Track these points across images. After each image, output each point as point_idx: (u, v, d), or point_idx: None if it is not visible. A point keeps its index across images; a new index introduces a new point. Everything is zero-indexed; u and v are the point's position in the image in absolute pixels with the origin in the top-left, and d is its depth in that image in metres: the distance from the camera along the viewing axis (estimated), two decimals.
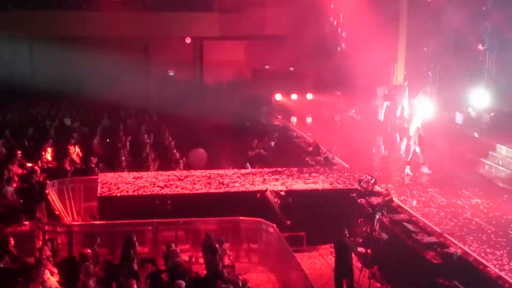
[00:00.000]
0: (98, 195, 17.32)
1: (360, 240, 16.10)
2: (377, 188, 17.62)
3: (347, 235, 14.42)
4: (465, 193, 18.58)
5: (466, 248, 14.37)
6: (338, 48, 33.23)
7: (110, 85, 32.01)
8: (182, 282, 12.35)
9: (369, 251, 14.39)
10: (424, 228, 15.63)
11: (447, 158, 22.23)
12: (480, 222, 16.27)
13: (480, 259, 13.80)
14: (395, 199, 17.42)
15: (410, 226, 15.49)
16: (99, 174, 19.36)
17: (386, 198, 17.02)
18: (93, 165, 20.94)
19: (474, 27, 25.00)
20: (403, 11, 30.11)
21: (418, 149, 20.93)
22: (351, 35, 31.63)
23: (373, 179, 17.78)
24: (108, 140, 25.57)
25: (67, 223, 17.27)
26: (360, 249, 14.33)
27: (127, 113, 30.47)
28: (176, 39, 36.60)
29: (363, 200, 17.18)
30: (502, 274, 13.10)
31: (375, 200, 16.98)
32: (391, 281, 15.25)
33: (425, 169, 20.91)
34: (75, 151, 22.86)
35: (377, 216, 15.43)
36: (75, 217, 18.72)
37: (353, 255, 14.51)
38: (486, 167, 21.16)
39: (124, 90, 31.79)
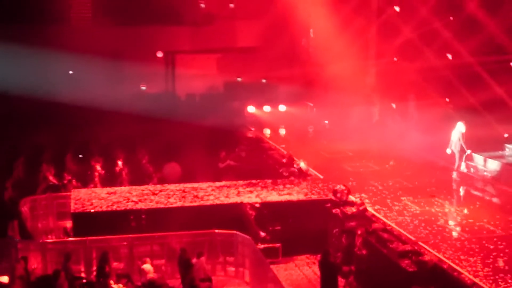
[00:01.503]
0: (72, 211, 17.19)
1: (340, 254, 16.09)
2: (351, 198, 17.69)
3: (331, 254, 14.37)
4: (438, 201, 18.74)
5: (440, 256, 14.48)
6: (309, 59, 33.38)
7: (81, 100, 31.75)
8: None
9: (352, 267, 14.41)
10: (399, 237, 15.73)
11: (419, 167, 22.45)
12: (453, 229, 16.42)
13: (454, 266, 13.91)
14: (369, 209, 17.50)
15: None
16: (72, 190, 19.21)
17: (360, 208, 17.08)
18: (66, 181, 20.76)
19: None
20: (373, 21, 30.42)
21: (468, 151, 21.10)
22: (322, 45, 31.81)
23: (347, 189, 17.85)
24: (80, 155, 25.36)
25: (40, 241, 17.09)
26: (344, 268, 14.32)
27: (99, 128, 30.25)
28: (148, 53, 36.48)
29: (337, 210, 17.25)
30: (477, 280, 13.22)
31: (349, 210, 17.04)
32: None
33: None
34: (47, 168, 22.63)
35: (359, 232, 15.50)
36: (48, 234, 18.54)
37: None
38: (459, 174, 21.41)
39: (96, 104, 31.55)
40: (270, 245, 17.08)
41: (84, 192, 18.74)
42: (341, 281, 14.01)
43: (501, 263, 14.22)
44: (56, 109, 30.92)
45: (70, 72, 34.11)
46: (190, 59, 37.59)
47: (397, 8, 28.22)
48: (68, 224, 17.85)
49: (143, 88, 37.04)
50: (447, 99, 26.84)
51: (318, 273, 14.67)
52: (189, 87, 36.71)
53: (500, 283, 13.11)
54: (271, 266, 14.90)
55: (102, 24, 35.15)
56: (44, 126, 30.55)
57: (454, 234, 16.10)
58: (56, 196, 19.36)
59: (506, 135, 23.22)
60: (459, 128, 21.00)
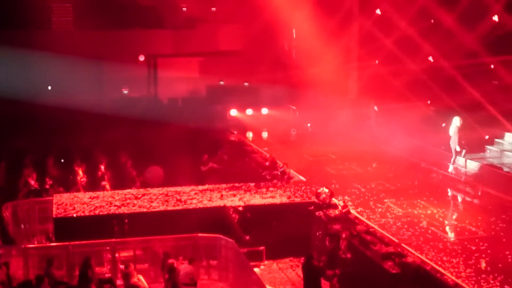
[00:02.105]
0: (54, 216, 17.08)
1: (324, 258, 16.09)
2: (334, 200, 17.73)
3: (315, 257, 14.36)
4: (421, 203, 18.83)
5: (423, 257, 14.56)
6: (292, 62, 33.46)
7: (63, 104, 31.57)
8: None
9: (337, 271, 14.42)
10: (382, 239, 15.79)
11: (402, 169, 22.58)
12: (436, 231, 16.50)
13: (437, 267, 14.00)
14: (352, 211, 17.55)
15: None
16: (54, 195, 19.08)
17: (344, 210, 17.13)
18: (48, 186, 20.62)
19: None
20: (355, 25, 30.58)
21: (458, 148, 21.22)
22: (305, 48, 31.90)
23: (330, 192, 17.88)
24: (62, 160, 25.20)
25: (22, 246, 16.94)
26: (328, 272, 14.28)
27: (81, 132, 30.09)
28: (130, 57, 36.36)
29: (321, 213, 17.28)
30: (459, 281, 13.30)
31: (332, 212, 17.08)
32: None
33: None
34: (29, 173, 22.47)
35: (344, 236, 15.52)
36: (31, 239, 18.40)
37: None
38: (440, 176, 21.58)
39: (78, 109, 31.40)
40: (254, 248, 17.08)
41: (66, 196, 18.62)
42: (325, 284, 14.02)
43: (483, 264, 14.33)
44: (37, 113, 30.71)
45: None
46: (172, 62, 37.50)
47: (378, 12, 28.43)
48: (50, 229, 17.71)
49: (125, 92, 36.90)
50: (428, 102, 27.07)
51: (302, 276, 14.67)
52: (171, 90, 36.63)
53: (482, 284, 13.21)
54: (255, 269, 14.89)
55: (83, 28, 35.00)
56: (25, 130, 30.36)
57: (437, 235, 16.18)
58: (38, 201, 19.22)
59: (486, 137, 23.43)
60: (455, 122, 21.21)
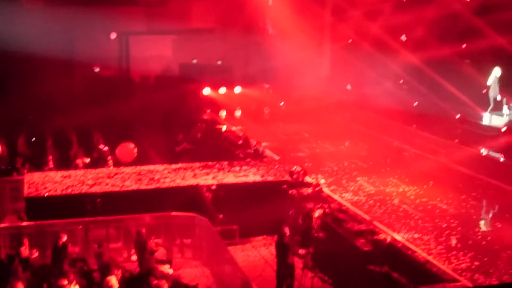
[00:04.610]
0: (25, 195, 16.90)
1: (297, 237, 16.17)
2: (307, 179, 17.80)
3: (287, 235, 14.41)
4: (393, 181, 19.00)
5: (395, 234, 14.71)
6: (265, 40, 33.35)
7: (33, 82, 31.18)
8: (114, 279, 12.20)
9: (310, 250, 14.50)
10: (354, 217, 15.91)
11: (374, 147, 22.75)
12: (407, 209, 16.69)
13: (408, 244, 14.16)
14: (325, 189, 17.65)
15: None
16: (26, 174, 18.87)
17: (316, 189, 17.21)
18: (19, 166, 20.38)
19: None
20: (328, 4, 30.58)
21: (499, 97, 21.53)
22: (278, 26, 31.82)
23: (303, 170, 17.95)
24: (33, 139, 24.91)
25: None
26: (301, 250, 14.33)
27: (52, 111, 29.77)
28: (101, 34, 35.94)
29: (294, 192, 17.34)
30: (430, 258, 13.48)
31: (305, 191, 17.15)
32: (324, 271, 15.45)
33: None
34: None
35: (316, 214, 15.59)
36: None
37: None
38: (412, 155, 21.77)
39: (49, 87, 31.04)
40: (227, 227, 17.10)
41: (37, 175, 18.42)
42: (298, 262, 14.11)
43: (453, 241, 14.56)
44: (6, 92, 30.31)
45: None
46: (144, 40, 37.17)
47: None
48: (22, 208, 17.54)
49: (97, 70, 36.52)
50: (401, 81, 27.26)
51: (275, 253, 14.76)
52: (144, 69, 36.35)
53: (452, 260, 13.42)
54: (228, 248, 14.93)
55: (54, 4, 34.45)
56: None
57: (408, 213, 16.37)
58: (9, 180, 18.99)
59: (458, 116, 23.64)
60: (495, 73, 21.44)
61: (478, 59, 23.48)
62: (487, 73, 22.02)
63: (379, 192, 18.02)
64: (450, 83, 23.53)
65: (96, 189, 17.32)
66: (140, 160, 22.19)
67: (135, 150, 22.69)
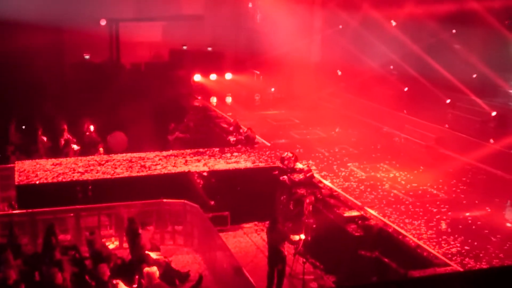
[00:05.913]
0: (16, 183, 16.86)
1: (289, 224, 16.21)
2: (298, 165, 17.84)
3: (279, 221, 14.42)
4: (383, 166, 19.07)
5: (385, 220, 14.79)
6: (256, 26, 33.31)
7: (23, 70, 31.01)
8: (106, 266, 12.24)
9: (302, 235, 14.54)
10: (345, 202, 15.98)
11: (364, 133, 22.79)
12: (398, 194, 16.77)
13: (399, 229, 14.25)
14: (316, 175, 17.70)
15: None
16: (16, 162, 18.81)
17: (308, 175, 17.25)
18: (9, 153, 20.32)
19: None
20: None
21: None
22: (268, 12, 31.76)
23: (294, 156, 17.98)
24: (24, 127, 24.81)
25: None
26: (292, 237, 14.36)
27: (42, 98, 29.63)
28: (91, 21, 35.75)
29: (285, 178, 17.38)
30: (421, 243, 13.57)
31: (297, 177, 17.18)
32: (315, 256, 15.54)
33: None
34: None
35: (308, 200, 15.62)
36: None
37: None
38: (403, 140, 21.84)
39: (39, 74, 30.89)
40: (219, 213, 17.14)
41: (28, 163, 18.37)
42: (289, 248, 14.17)
43: (444, 225, 14.65)
44: None
45: None
46: (134, 27, 37.02)
47: None
48: (13, 196, 17.51)
49: (87, 57, 36.38)
50: (391, 67, 27.30)
51: (266, 240, 14.81)
52: (134, 55, 36.22)
53: (443, 245, 13.51)
54: (220, 234, 14.97)
55: None
56: None
57: (399, 198, 16.44)
58: (0, 168, 18.95)
59: (448, 101, 23.73)
60: None
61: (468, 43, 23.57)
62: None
63: (370, 178, 18.09)
64: (442, 67, 23.61)
65: (87, 176, 17.30)
66: (131, 147, 22.16)
67: (126, 139, 22.69)
